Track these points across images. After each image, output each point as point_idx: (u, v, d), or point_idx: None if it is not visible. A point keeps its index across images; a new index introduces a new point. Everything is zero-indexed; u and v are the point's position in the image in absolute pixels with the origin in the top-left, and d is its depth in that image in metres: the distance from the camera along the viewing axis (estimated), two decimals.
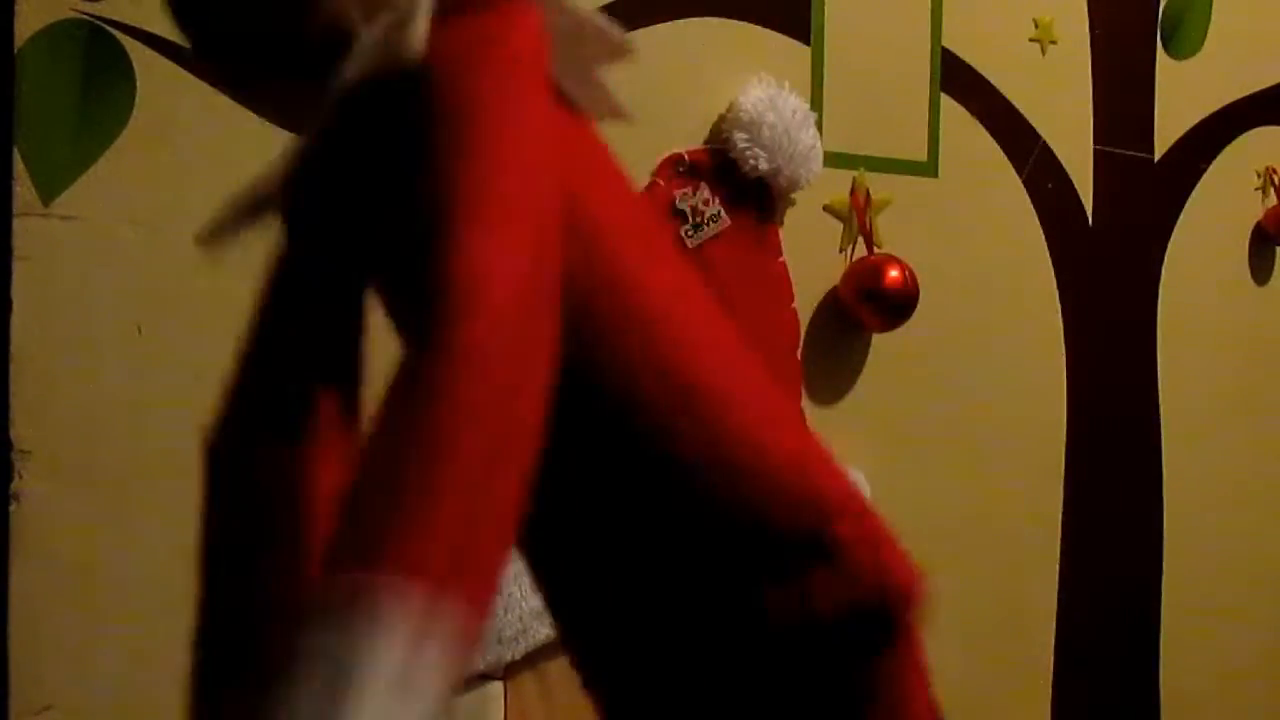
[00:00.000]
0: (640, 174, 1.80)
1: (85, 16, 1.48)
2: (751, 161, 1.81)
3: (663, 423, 0.77)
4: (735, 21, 1.89)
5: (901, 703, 0.78)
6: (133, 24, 1.50)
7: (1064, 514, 2.24)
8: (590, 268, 0.78)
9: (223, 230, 0.85)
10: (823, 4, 1.97)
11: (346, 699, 0.57)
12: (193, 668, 0.79)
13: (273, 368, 0.86)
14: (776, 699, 0.78)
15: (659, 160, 1.81)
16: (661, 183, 1.80)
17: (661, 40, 1.81)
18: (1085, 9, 2.25)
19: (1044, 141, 2.21)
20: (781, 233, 1.91)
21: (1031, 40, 2.19)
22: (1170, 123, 2.36)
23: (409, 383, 0.64)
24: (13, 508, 1.45)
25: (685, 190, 1.80)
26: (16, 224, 1.45)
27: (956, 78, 2.11)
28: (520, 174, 0.71)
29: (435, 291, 0.65)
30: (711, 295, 0.86)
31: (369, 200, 0.81)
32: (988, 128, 2.15)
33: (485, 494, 0.62)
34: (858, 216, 1.97)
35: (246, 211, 0.84)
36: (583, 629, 0.87)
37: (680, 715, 0.80)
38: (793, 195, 1.91)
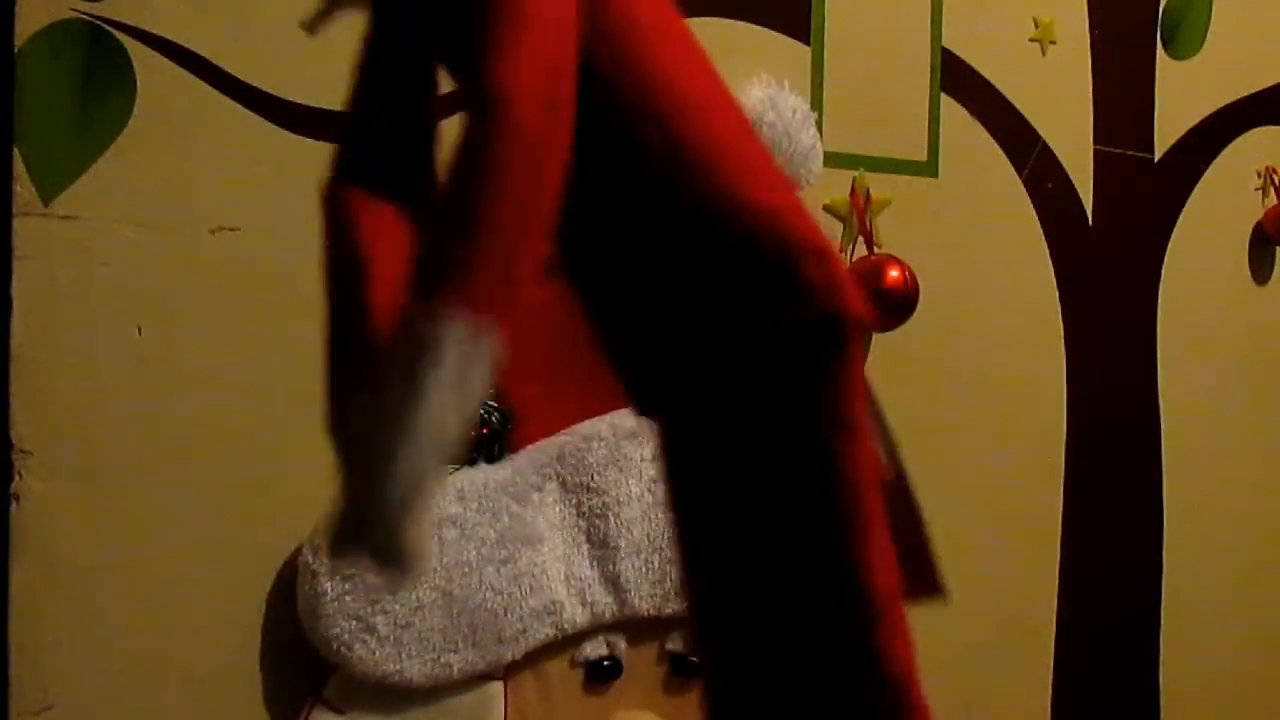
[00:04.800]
0: None
1: (85, 16, 1.48)
2: None
3: (664, 168, 0.98)
4: (735, 21, 1.89)
5: (849, 399, 1.01)
6: (133, 24, 1.50)
7: (1064, 514, 2.24)
8: (612, 51, 0.98)
9: (324, 14, 1.04)
10: (823, 4, 1.97)
11: (420, 395, 0.82)
12: (328, 379, 1.01)
13: (365, 128, 1.05)
14: (759, 390, 1.00)
15: None
16: None
17: None
18: (1085, 9, 2.25)
19: (1044, 141, 2.21)
20: None
21: (1031, 40, 2.19)
22: (1170, 123, 2.36)
23: (461, 174, 0.86)
24: (13, 508, 1.45)
25: None
26: (16, 224, 1.46)
27: (956, 78, 2.11)
28: None
29: (473, 101, 0.88)
30: (712, 72, 1.06)
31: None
32: (988, 128, 2.15)
33: (517, 241, 0.86)
34: (858, 216, 1.97)
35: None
36: (611, 326, 1.09)
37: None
38: None
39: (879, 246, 1.98)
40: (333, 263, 1.02)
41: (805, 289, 0.99)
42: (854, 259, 1.96)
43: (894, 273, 1.92)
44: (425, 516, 0.84)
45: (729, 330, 1.00)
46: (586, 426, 1.69)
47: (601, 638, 1.72)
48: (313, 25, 1.05)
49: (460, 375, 0.83)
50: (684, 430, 1.05)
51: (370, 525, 0.83)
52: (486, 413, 1.63)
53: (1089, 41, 2.26)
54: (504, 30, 0.89)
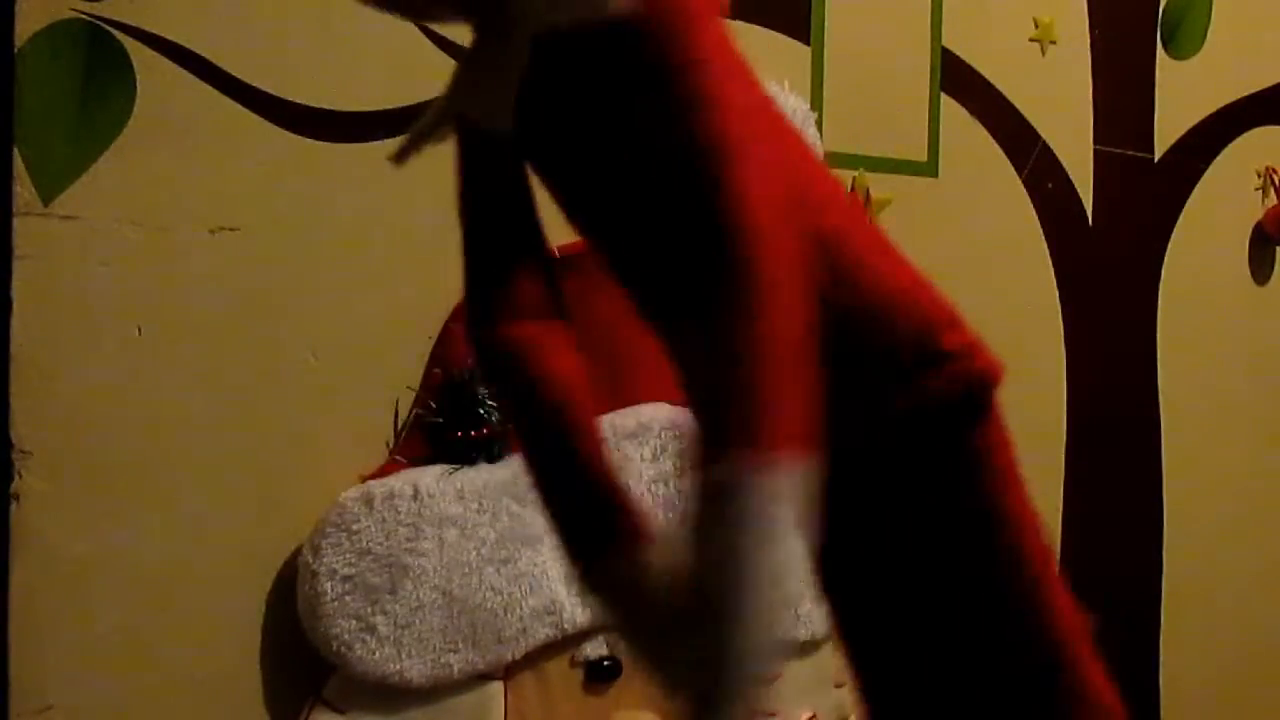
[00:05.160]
0: None
1: (85, 16, 1.48)
2: None
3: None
4: (735, 21, 1.89)
5: (1000, 458, 1.03)
6: (133, 24, 1.50)
7: (1064, 514, 2.24)
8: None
9: (410, 148, 1.04)
10: (823, 4, 1.97)
11: (764, 540, 0.81)
12: (557, 533, 1.01)
13: (480, 259, 1.05)
14: (906, 472, 1.01)
15: None
16: None
17: None
18: (1085, 9, 2.25)
19: (1044, 141, 2.21)
20: None
21: (1031, 40, 2.19)
22: (1170, 123, 2.36)
23: (724, 304, 0.85)
24: (13, 508, 1.45)
25: None
26: (16, 224, 1.45)
27: (956, 78, 2.11)
28: (745, 116, 0.97)
29: (716, 226, 0.86)
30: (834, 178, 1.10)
31: (560, 118, 0.99)
32: (988, 128, 2.15)
33: (796, 378, 0.85)
34: None
35: (428, 132, 1.02)
36: None
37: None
38: None
39: None
40: (516, 409, 1.02)
41: (947, 358, 1.00)
42: None
43: None
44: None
45: (855, 408, 0.99)
46: None
47: (601, 638, 1.72)
48: (400, 158, 1.04)
49: (781, 519, 0.82)
50: (834, 502, 1.00)
51: (731, 683, 0.82)
52: (486, 413, 1.63)
53: (1089, 41, 2.26)
54: (729, 151, 0.90)
